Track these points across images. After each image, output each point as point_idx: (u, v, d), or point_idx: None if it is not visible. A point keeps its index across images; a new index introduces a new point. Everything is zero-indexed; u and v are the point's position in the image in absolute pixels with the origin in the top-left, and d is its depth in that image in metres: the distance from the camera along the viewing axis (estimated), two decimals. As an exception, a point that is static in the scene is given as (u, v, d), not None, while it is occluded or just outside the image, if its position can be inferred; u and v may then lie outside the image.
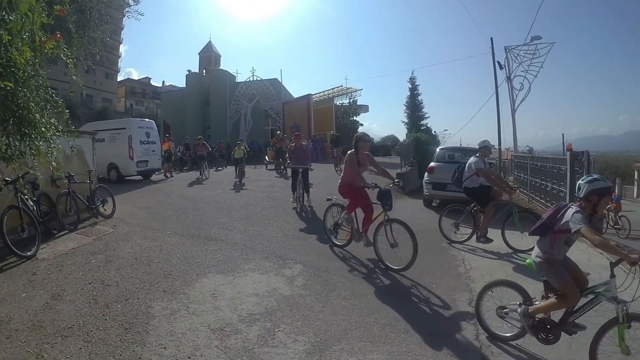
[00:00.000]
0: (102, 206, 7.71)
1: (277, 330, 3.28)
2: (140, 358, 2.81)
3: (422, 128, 36.05)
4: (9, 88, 2.83)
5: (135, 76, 72.52)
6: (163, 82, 58.67)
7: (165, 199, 10.00)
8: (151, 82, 63.89)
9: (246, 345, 3.00)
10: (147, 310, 3.60)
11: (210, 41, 38.00)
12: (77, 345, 2.96)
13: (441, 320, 3.65)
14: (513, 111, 17.52)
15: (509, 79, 17.33)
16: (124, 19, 53.81)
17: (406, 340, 3.17)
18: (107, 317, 3.43)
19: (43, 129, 3.42)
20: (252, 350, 2.93)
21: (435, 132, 34.84)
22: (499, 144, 17.43)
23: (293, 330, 3.28)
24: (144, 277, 4.42)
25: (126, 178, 13.88)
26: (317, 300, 3.91)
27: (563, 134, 56.58)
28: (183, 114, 32.99)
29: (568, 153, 8.45)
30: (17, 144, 3.34)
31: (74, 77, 4.18)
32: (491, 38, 17.68)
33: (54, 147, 3.82)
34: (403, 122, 43.03)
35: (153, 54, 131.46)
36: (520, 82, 17.15)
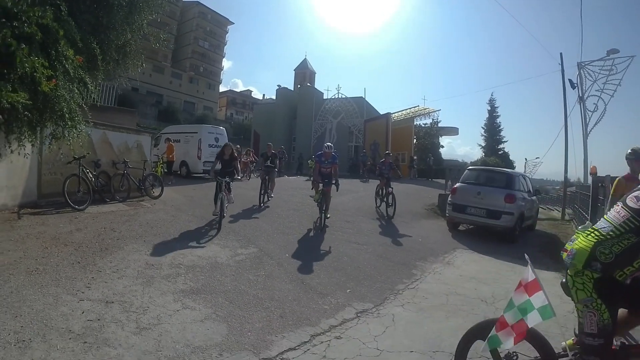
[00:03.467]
0: (152, 189, 10.26)
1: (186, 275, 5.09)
2: (99, 269, 4.80)
3: (500, 153, 35.22)
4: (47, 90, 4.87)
5: (240, 87, 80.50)
6: (264, 95, 64.59)
7: (212, 193, 12.33)
8: (252, 94, 70.74)
9: (158, 274, 4.87)
10: (122, 245, 5.72)
11: (305, 58, 41.45)
12: (65, 254, 5.11)
13: (310, 315, 4.29)
14: (585, 135, 16.36)
15: (581, 99, 16.21)
16: (226, 35, 60.56)
17: (268, 316, 4.07)
18: (100, 242, 5.59)
19: (69, 122, 5.47)
20: (155, 279, 4.78)
21: (511, 158, 33.81)
22: (565, 172, 16.73)
23: (197, 279, 5.05)
24: (141, 232, 6.59)
25: (193, 174, 16.76)
26: (236, 271, 5.38)
27: None
28: (272, 125, 36.60)
29: (590, 178, 8.77)
30: (60, 130, 5.56)
31: (89, 86, 6.05)
32: (560, 53, 17.12)
33: (83, 134, 5.90)
34: (480, 145, 42.13)
35: (259, 67, 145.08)
36: (594, 103, 15.85)
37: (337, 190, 8.91)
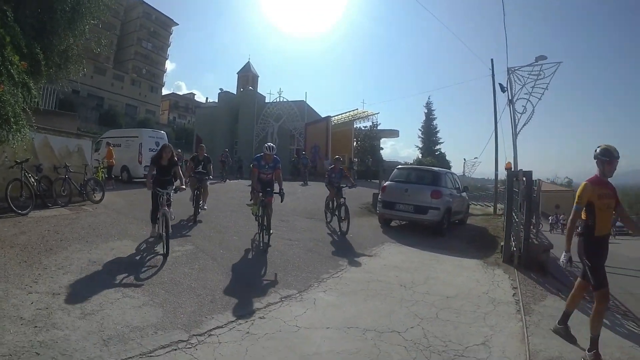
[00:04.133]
0: (94, 193, 10.31)
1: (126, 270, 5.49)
2: (45, 267, 5.06)
3: (437, 153, 37.37)
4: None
5: (184, 89, 79.04)
6: (207, 98, 64.02)
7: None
8: (195, 97, 69.78)
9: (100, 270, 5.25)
10: (66, 246, 5.99)
11: (249, 62, 41.49)
12: (12, 255, 5.33)
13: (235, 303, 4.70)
14: (514, 135, 17.13)
15: (510, 102, 17.01)
16: (170, 36, 59.51)
17: (199, 302, 4.52)
18: (45, 244, 5.86)
19: (14, 126, 5.66)
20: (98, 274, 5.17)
21: (448, 158, 35.94)
22: (496, 169, 18.19)
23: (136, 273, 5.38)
24: (83, 234, 6.82)
25: (134, 179, 16.68)
26: (173, 265, 5.75)
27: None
28: (214, 129, 36.59)
29: (506, 172, 9.77)
30: (4, 134, 5.72)
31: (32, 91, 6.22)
32: (492, 59, 17.94)
33: (27, 138, 6.06)
34: (417, 146, 44.35)
35: (203, 70, 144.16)
36: (523, 105, 16.52)
37: (281, 201, 7.59)
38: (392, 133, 42.57)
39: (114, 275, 5.05)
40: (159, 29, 59.36)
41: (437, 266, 7.34)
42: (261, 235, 7.33)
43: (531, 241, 8.18)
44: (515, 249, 7.88)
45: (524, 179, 8.53)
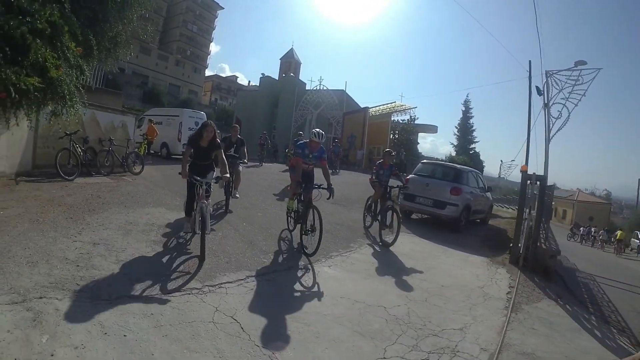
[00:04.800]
0: (134, 166, 11.31)
1: (157, 231, 6.27)
2: (87, 223, 5.91)
3: (471, 152, 36.97)
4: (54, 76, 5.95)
5: (227, 72, 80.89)
6: (249, 82, 65.40)
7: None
8: (238, 80, 71.41)
9: (135, 229, 6.05)
10: (107, 208, 6.85)
11: (292, 48, 42.16)
12: (59, 211, 6.23)
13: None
14: (547, 140, 15.89)
15: (546, 105, 16.05)
16: (216, 19, 60.87)
17: (217, 262, 5.80)
18: (88, 205, 6.72)
19: (69, 102, 6.50)
20: (132, 232, 5.95)
21: (482, 158, 35.56)
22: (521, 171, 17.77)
23: (166, 234, 6.22)
24: (122, 200, 7.71)
25: (173, 156, 17.77)
26: None
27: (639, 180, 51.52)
28: (254, 113, 37.63)
29: (521, 174, 10.05)
30: (59, 109, 6.60)
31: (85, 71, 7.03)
32: (529, 61, 17.46)
33: (77, 112, 6.91)
34: (452, 144, 43.87)
35: (247, 54, 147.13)
36: (558, 110, 15.62)
37: (330, 197, 6.29)
38: (430, 128, 42.29)
39: (147, 234, 5.87)
40: (205, 12, 60.98)
41: (443, 258, 7.79)
42: (301, 243, 6.48)
43: (539, 245, 8.49)
44: (522, 251, 8.19)
45: (538, 183, 8.82)
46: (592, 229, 32.65)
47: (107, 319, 3.28)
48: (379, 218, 8.32)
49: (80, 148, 9.63)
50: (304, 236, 6.35)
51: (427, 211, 11.11)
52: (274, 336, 3.63)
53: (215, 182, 5.84)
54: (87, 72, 7.01)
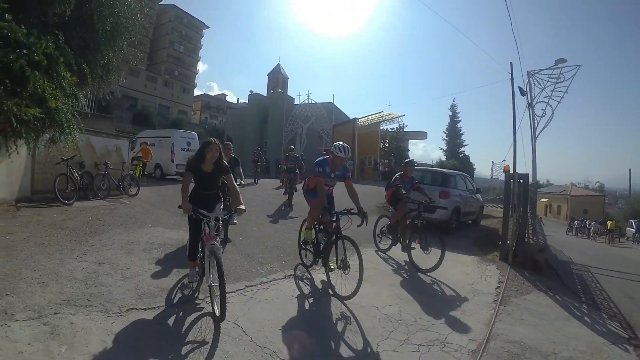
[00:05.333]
0: (130, 188, 11.57)
1: (158, 249, 6.55)
2: (91, 244, 6.18)
3: (461, 155, 37.62)
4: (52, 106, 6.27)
5: (216, 90, 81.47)
6: (238, 99, 65.83)
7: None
8: (227, 98, 72.06)
9: (137, 248, 6.32)
10: (108, 229, 7.12)
11: (279, 64, 42.75)
12: (62, 235, 6.49)
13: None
14: (533, 139, 16.50)
15: (530, 105, 16.48)
16: (202, 39, 61.57)
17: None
18: (89, 227, 6.99)
19: (67, 129, 6.81)
20: (135, 251, 6.23)
21: (472, 160, 36.25)
22: (514, 170, 18.15)
23: (167, 252, 6.51)
24: (122, 221, 7.98)
25: (166, 176, 18.04)
26: None
27: (630, 170, 52.70)
28: (245, 130, 38.13)
29: (505, 174, 10.40)
30: (57, 136, 6.91)
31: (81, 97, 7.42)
32: (510, 63, 16.56)
33: (74, 139, 7.22)
34: (441, 148, 44.58)
35: (234, 71, 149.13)
36: (542, 109, 16.08)
37: (363, 225, 5.44)
38: (420, 135, 42.99)
39: (148, 252, 6.13)
40: (191, 32, 61.69)
41: (432, 258, 8.00)
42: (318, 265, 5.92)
43: (527, 241, 8.83)
44: (511, 248, 8.50)
45: (520, 181, 9.18)
46: (587, 222, 33.14)
47: (119, 329, 3.56)
48: (405, 241, 7.45)
49: (77, 173, 9.90)
50: (330, 274, 5.39)
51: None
52: (274, 337, 3.91)
53: (228, 218, 5.04)
54: (82, 99, 7.32)
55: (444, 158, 41.97)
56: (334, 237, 5.32)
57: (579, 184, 62.65)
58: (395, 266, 7.27)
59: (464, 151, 43.41)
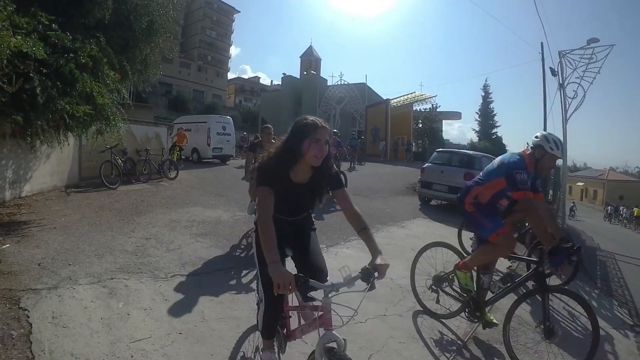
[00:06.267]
0: (169, 172, 12.53)
1: (198, 226, 7.33)
2: (137, 223, 7.02)
3: (493, 137, 37.03)
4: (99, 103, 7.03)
5: (249, 73, 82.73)
6: (272, 81, 67.01)
7: (219, 174, 14.67)
8: (260, 80, 73.01)
9: (179, 225, 7.13)
10: (151, 210, 7.99)
11: (311, 45, 43.08)
12: (111, 215, 7.38)
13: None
14: (564, 120, 16.47)
15: (561, 86, 16.48)
16: (233, 23, 62.13)
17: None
18: (135, 208, 7.87)
19: (113, 122, 7.54)
20: (177, 228, 7.03)
21: (504, 141, 35.67)
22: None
23: (205, 228, 7.27)
24: (164, 202, 8.89)
25: (204, 160, 19.05)
26: (233, 225, 7.77)
27: None
28: (278, 112, 38.90)
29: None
30: (104, 127, 7.70)
31: (123, 91, 8.24)
32: (541, 43, 17.69)
33: (119, 129, 7.96)
34: (474, 129, 43.81)
35: (267, 53, 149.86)
36: (574, 90, 15.89)
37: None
38: (454, 115, 42.54)
39: (189, 228, 6.93)
40: (222, 17, 62.79)
41: (452, 238, 8.43)
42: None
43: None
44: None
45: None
46: (621, 208, 32.46)
47: (166, 290, 4.30)
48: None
49: (121, 159, 10.89)
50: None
51: (443, 197, 11.80)
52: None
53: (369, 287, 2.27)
54: (125, 93, 8.12)
55: (476, 139, 41.44)
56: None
57: (617, 169, 60.28)
58: (416, 244, 7.59)
59: (496, 132, 42.71)
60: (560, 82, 16.59)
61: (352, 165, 20.58)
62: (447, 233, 8.92)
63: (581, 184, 56.56)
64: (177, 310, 3.90)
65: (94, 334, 3.29)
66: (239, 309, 4.07)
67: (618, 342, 4.54)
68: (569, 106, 16.13)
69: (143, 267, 4.89)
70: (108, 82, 7.12)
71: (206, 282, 4.69)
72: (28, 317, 3.41)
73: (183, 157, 17.56)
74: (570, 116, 16.28)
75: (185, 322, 3.67)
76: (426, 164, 12.56)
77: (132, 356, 3.04)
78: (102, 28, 8.18)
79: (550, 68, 17.02)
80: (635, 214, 27.56)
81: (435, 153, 13.29)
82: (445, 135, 38.63)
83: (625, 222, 29.80)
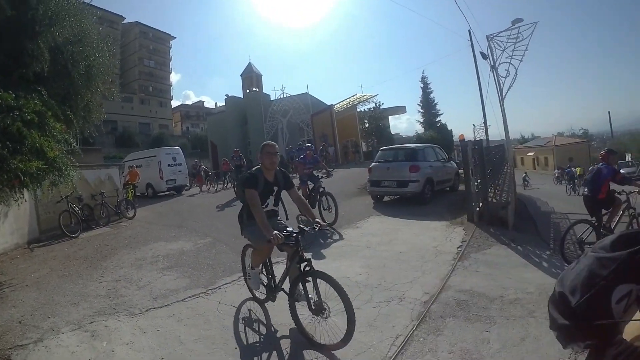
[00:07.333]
0: (127, 211, 12.64)
1: (163, 260, 7.64)
2: (105, 267, 7.25)
3: (438, 125, 38.83)
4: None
5: (193, 98, 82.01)
6: (216, 103, 67.00)
7: (175, 206, 14.85)
8: (205, 104, 72.91)
9: (144, 263, 7.41)
10: (116, 252, 8.22)
11: (250, 62, 43.42)
12: (78, 264, 7.56)
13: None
14: (501, 99, 17.12)
15: (493, 67, 17.03)
16: (170, 50, 61.68)
17: (214, 272, 7.27)
18: (100, 253, 8.06)
19: (65, 172, 7.73)
20: (143, 265, 7.32)
21: (449, 127, 37.41)
22: (486, 135, 20.07)
23: (170, 261, 7.60)
24: (126, 243, 9.11)
25: (159, 194, 19.10)
26: (196, 253, 8.08)
27: (610, 112, 53.68)
28: (226, 134, 39.04)
29: (460, 142, 11.36)
30: (57, 179, 7.87)
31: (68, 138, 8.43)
32: (469, 30, 18.79)
33: (72, 178, 8.15)
34: (418, 121, 45.75)
35: (208, 75, 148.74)
36: (506, 69, 16.41)
37: None
38: (399, 110, 43.76)
39: (155, 264, 7.24)
40: (158, 45, 62.36)
41: (405, 230, 8.86)
42: None
43: (490, 200, 9.87)
44: (476, 208, 9.47)
45: (475, 147, 10.24)
46: (567, 169, 34.31)
47: (143, 324, 4.67)
48: None
49: (77, 207, 10.95)
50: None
51: (393, 192, 12.35)
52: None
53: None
54: (72, 141, 8.30)
55: (421, 130, 43.05)
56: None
57: (564, 134, 64.00)
58: (372, 241, 8.13)
59: (440, 120, 44.64)
60: (492, 64, 17.17)
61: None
62: (398, 225, 9.46)
63: (531, 153, 59.38)
64: (156, 339, 4.28)
65: (86, 374, 3.63)
66: (212, 329, 4.49)
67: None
68: (504, 85, 16.67)
69: (118, 307, 5.21)
70: (55, 133, 7.31)
71: (178, 310, 5.07)
72: (21, 371, 3.69)
73: (138, 194, 17.49)
74: (505, 94, 16.87)
75: (165, 347, 4.07)
76: (372, 164, 12.96)
77: (125, 385, 3.43)
78: (42, 80, 8.34)
79: (481, 52, 17.94)
80: (578, 174, 29.27)
81: (379, 152, 13.81)
82: (394, 130, 40.04)
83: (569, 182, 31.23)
